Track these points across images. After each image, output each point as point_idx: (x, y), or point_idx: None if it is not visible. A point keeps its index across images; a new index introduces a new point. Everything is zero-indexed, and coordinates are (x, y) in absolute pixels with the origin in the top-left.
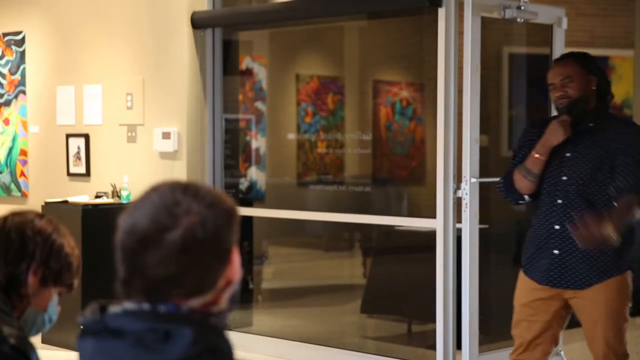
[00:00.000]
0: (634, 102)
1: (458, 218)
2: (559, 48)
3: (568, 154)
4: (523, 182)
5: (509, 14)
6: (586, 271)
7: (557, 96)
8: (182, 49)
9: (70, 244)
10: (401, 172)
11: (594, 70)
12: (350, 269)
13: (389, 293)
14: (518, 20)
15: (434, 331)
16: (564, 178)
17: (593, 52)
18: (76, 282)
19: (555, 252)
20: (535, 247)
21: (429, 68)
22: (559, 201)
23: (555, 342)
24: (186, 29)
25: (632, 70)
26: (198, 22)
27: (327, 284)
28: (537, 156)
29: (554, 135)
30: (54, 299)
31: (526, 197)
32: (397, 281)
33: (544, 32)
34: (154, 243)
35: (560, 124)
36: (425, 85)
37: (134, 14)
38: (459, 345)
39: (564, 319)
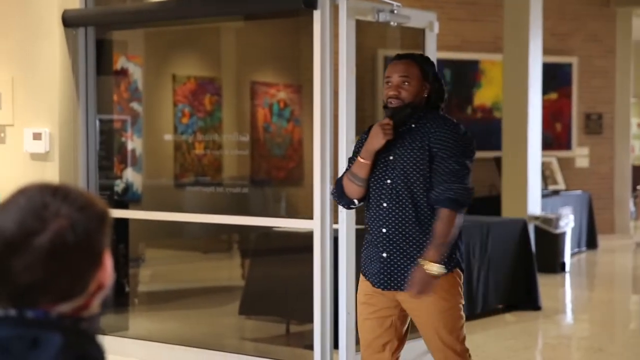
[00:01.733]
0: (503, 105)
1: (335, 219)
2: (431, 51)
3: (391, 157)
4: (351, 187)
5: (382, 17)
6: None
7: (390, 94)
8: (53, 47)
9: None
10: (279, 173)
11: (430, 78)
12: (229, 270)
13: (267, 294)
14: (391, 23)
15: (311, 331)
16: (388, 181)
17: (463, 55)
18: None
19: (384, 255)
20: (367, 249)
21: (306, 70)
22: (384, 204)
23: (400, 340)
24: (57, 28)
25: (501, 74)
26: (69, 21)
27: (205, 286)
28: (361, 161)
29: (375, 139)
30: None
31: (356, 201)
32: (276, 282)
33: (417, 36)
34: (20, 248)
35: (381, 127)
36: (303, 87)
37: (3, 10)
38: (336, 345)
39: (405, 318)
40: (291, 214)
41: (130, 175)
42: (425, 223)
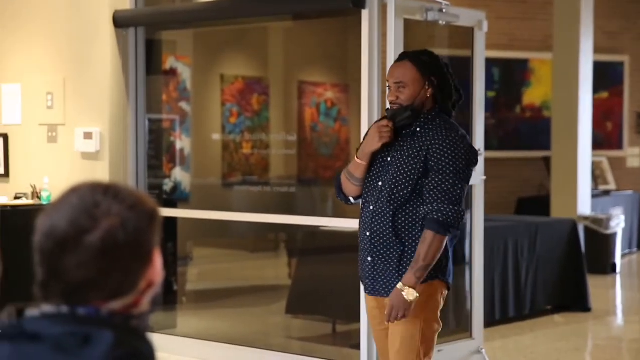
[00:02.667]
0: (553, 104)
1: None
2: (480, 50)
3: (389, 159)
4: (347, 185)
5: (431, 16)
6: (395, 278)
7: (390, 99)
8: (104, 48)
9: None
10: (326, 173)
11: (434, 73)
12: (275, 269)
13: (313, 293)
14: (440, 22)
15: (358, 331)
16: (380, 183)
17: (512, 54)
18: None
19: (369, 259)
20: (359, 253)
21: (354, 69)
22: (371, 207)
23: None
24: (108, 28)
25: (550, 73)
26: (120, 21)
27: (252, 284)
28: (357, 161)
29: (371, 141)
30: None
31: (352, 199)
32: (322, 281)
33: (466, 35)
34: (72, 246)
35: (378, 129)
36: (350, 86)
37: (54, 12)
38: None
39: None
40: (338, 213)
41: (179, 175)
42: (403, 234)
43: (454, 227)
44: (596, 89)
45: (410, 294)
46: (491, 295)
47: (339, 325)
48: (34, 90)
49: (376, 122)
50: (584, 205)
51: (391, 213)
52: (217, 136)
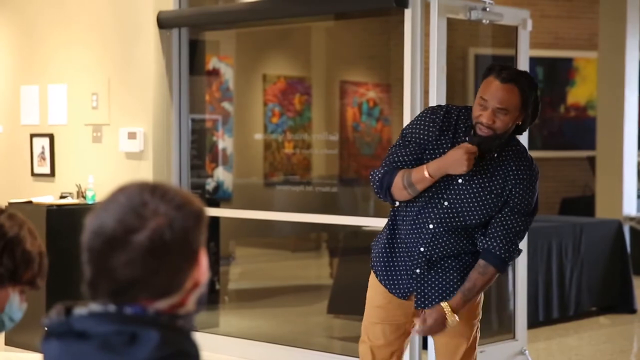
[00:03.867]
0: (598, 104)
1: None
2: (524, 49)
3: (460, 180)
4: (400, 192)
5: (474, 15)
6: (441, 296)
7: (484, 122)
8: (148, 48)
9: (34, 240)
10: (368, 173)
11: (529, 104)
12: (317, 269)
13: (355, 293)
14: (483, 21)
15: None
16: (445, 204)
17: (557, 53)
18: (40, 281)
19: (417, 271)
20: (391, 259)
21: (396, 69)
22: (430, 226)
23: (403, 352)
24: (152, 29)
25: (595, 72)
26: (164, 22)
27: (294, 284)
28: (427, 176)
29: (456, 165)
30: (13, 298)
31: (397, 203)
32: (364, 281)
33: (509, 34)
34: (120, 244)
35: (467, 156)
36: (392, 86)
37: (99, 13)
38: (424, 345)
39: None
40: (380, 213)
41: (221, 174)
42: (461, 257)
43: (510, 263)
44: None
45: (453, 320)
46: (534, 296)
47: None
48: (79, 91)
49: (462, 144)
50: (630, 206)
51: (455, 237)
52: (259, 136)
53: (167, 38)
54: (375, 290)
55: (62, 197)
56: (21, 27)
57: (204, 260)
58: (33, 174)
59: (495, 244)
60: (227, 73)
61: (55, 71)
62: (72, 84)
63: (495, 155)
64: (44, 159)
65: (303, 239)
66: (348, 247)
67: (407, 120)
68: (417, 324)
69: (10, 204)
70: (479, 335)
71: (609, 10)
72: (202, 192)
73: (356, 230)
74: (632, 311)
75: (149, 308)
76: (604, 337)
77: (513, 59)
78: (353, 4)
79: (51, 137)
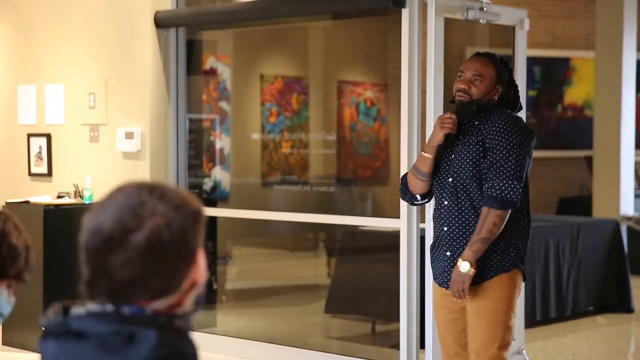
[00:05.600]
0: (595, 104)
1: (421, 218)
2: (521, 49)
3: (452, 155)
4: (414, 182)
5: (471, 15)
6: (478, 270)
7: (460, 87)
8: (145, 48)
9: (19, 234)
10: (365, 172)
11: (504, 82)
12: (315, 269)
13: (353, 293)
14: (481, 21)
15: (397, 331)
16: (450, 179)
17: (554, 53)
18: (27, 274)
19: (447, 253)
20: (433, 248)
21: (393, 68)
22: (445, 202)
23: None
24: (149, 29)
25: (593, 72)
26: (161, 22)
27: (292, 284)
28: (424, 155)
29: (435, 133)
30: (1, 292)
31: (419, 197)
32: (361, 281)
33: (507, 33)
34: (118, 244)
35: (440, 120)
36: (390, 86)
37: (96, 13)
38: (422, 345)
39: None
40: (377, 213)
41: (219, 174)
42: None
43: (510, 203)
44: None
45: (464, 266)
46: (532, 295)
47: (379, 325)
48: (76, 91)
49: (440, 116)
50: (627, 205)
51: (470, 206)
52: (256, 136)
53: (164, 38)
54: (433, 290)
55: (59, 197)
56: (18, 27)
57: (202, 260)
58: (30, 174)
59: (484, 187)
60: (225, 73)
61: (53, 71)
62: (69, 84)
63: (477, 123)
64: (41, 158)
65: (300, 239)
66: (345, 246)
67: (404, 119)
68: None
69: (7, 203)
70: (510, 325)
71: (606, 10)
72: (200, 191)
73: (353, 229)
74: (630, 311)
75: (146, 308)
76: (601, 337)
77: (510, 59)
78: (350, 4)
79: (48, 136)
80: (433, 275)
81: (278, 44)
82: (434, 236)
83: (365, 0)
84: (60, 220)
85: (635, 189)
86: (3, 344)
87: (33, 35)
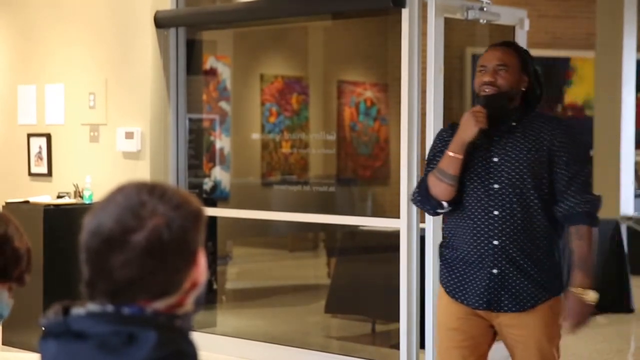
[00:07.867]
0: (595, 103)
1: (421, 218)
2: None
3: (495, 159)
4: (439, 187)
5: (471, 15)
6: (535, 288)
7: (485, 81)
8: (145, 48)
9: (21, 237)
10: (365, 172)
11: (529, 72)
12: (315, 269)
13: (353, 293)
14: (481, 21)
15: (397, 331)
16: (496, 186)
17: (554, 53)
18: (27, 276)
19: (494, 271)
20: (465, 265)
21: (393, 68)
22: (496, 213)
23: None
24: (149, 29)
25: (592, 72)
26: (161, 22)
27: (292, 284)
28: (451, 154)
29: (468, 128)
30: (2, 294)
31: (445, 204)
32: (361, 281)
33: (507, 33)
34: (118, 244)
35: (473, 114)
36: (390, 86)
37: (96, 13)
38: (422, 345)
39: (492, 344)
40: (377, 212)
41: (218, 174)
42: (538, 235)
43: (597, 217)
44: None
45: (591, 296)
46: None
47: (379, 325)
48: (76, 91)
49: (471, 109)
50: (627, 206)
51: (523, 217)
52: (256, 135)
53: (164, 38)
54: (445, 310)
55: (59, 197)
56: (18, 27)
57: (202, 260)
58: (30, 174)
59: (570, 203)
60: (225, 73)
61: (53, 71)
62: (69, 84)
63: (514, 124)
64: (41, 158)
65: (300, 239)
66: (345, 246)
67: (404, 119)
68: (563, 324)
69: (7, 203)
70: (559, 355)
71: (606, 9)
72: (200, 191)
73: (353, 229)
74: (630, 310)
75: (147, 308)
76: (601, 337)
77: None
78: (350, 4)
79: (48, 136)
80: (458, 296)
81: (278, 44)
82: (470, 250)
83: (365, 0)
84: (60, 220)
85: (635, 189)
86: (3, 344)
87: (33, 35)
